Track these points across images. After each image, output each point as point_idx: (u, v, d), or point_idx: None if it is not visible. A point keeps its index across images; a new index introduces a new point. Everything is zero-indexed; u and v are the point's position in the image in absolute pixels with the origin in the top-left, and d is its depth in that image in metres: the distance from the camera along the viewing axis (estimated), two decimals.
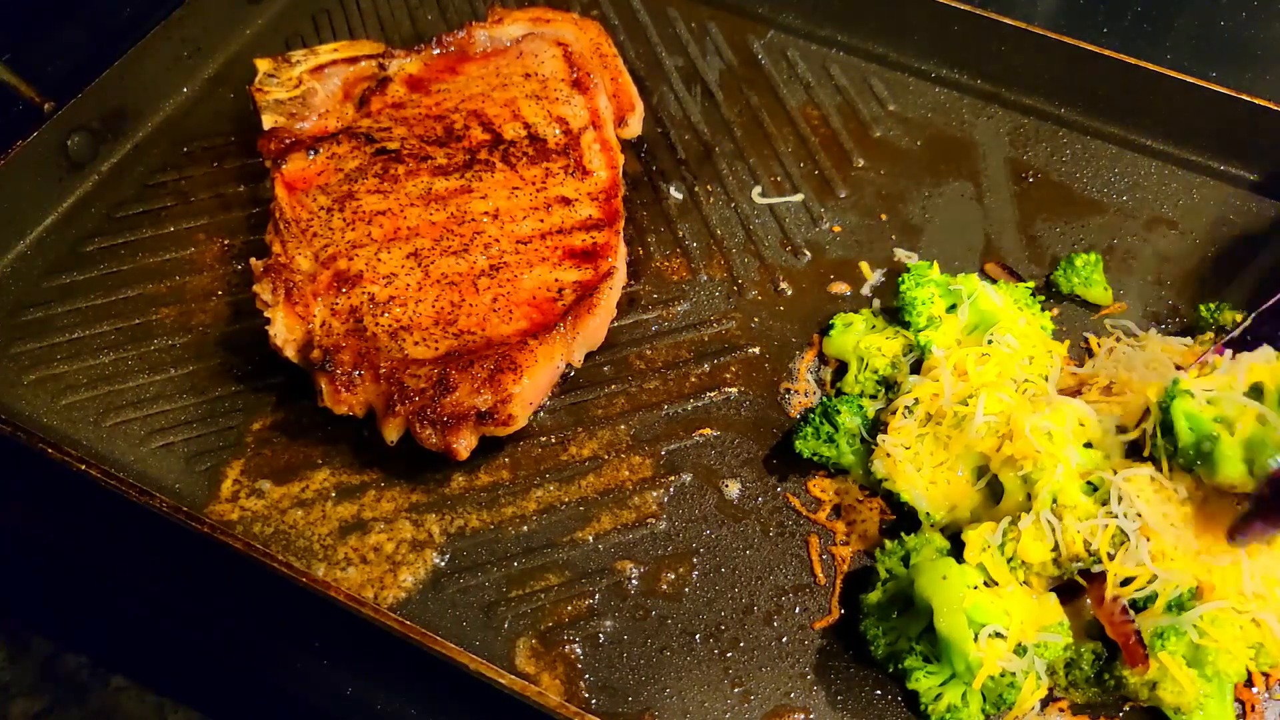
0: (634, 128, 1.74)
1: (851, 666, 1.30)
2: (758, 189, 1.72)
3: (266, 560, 1.30)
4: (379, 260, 1.48)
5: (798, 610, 1.34)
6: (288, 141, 1.60)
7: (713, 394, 1.50)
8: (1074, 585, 1.26)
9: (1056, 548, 1.23)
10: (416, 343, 1.42)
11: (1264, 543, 1.20)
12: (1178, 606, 1.20)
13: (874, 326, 1.49)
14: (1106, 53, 1.72)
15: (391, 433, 1.38)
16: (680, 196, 1.72)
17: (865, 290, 1.61)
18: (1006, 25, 1.77)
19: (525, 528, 1.40)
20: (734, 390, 1.51)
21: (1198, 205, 1.68)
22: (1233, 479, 1.18)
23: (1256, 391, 1.21)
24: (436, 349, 1.41)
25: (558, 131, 1.62)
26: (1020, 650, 1.20)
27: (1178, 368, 1.36)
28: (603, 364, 1.53)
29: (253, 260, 1.47)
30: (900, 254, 1.63)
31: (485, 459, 1.44)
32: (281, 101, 1.67)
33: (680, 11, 1.95)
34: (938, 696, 1.22)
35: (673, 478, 1.43)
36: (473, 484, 1.43)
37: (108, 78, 1.73)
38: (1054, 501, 1.23)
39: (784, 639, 1.31)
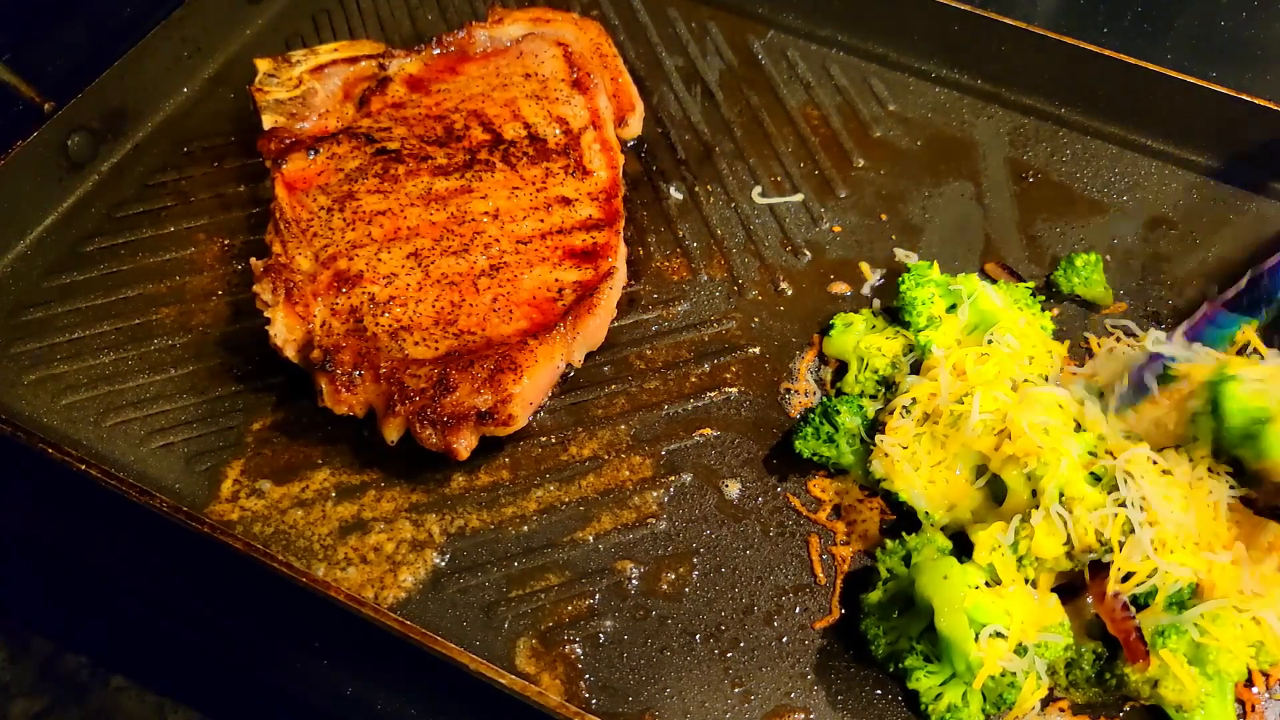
0: (634, 128, 1.74)
1: (852, 666, 1.30)
2: (758, 189, 1.72)
3: (266, 560, 1.30)
4: (379, 260, 1.48)
5: (798, 610, 1.34)
6: (288, 141, 1.60)
7: (713, 394, 1.50)
8: (1075, 585, 1.26)
9: (1068, 541, 1.23)
10: (417, 343, 1.42)
11: None
12: (1178, 605, 1.20)
13: (874, 326, 1.49)
14: (1106, 53, 1.72)
15: (392, 433, 1.38)
16: (680, 196, 1.72)
17: (865, 290, 1.61)
18: (1006, 25, 1.77)
19: (525, 528, 1.40)
20: (734, 390, 1.51)
21: (1198, 205, 1.68)
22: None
23: None
24: (437, 349, 1.41)
25: (558, 131, 1.62)
26: (1021, 650, 1.20)
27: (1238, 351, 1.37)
28: (603, 364, 1.53)
29: (253, 260, 1.47)
30: (900, 254, 1.63)
31: (485, 459, 1.44)
32: (281, 101, 1.67)
33: (680, 11, 1.95)
34: (938, 696, 1.22)
35: (673, 478, 1.43)
36: (473, 484, 1.43)
37: (108, 78, 1.73)
38: (1060, 495, 1.24)
39: (784, 639, 1.31)
